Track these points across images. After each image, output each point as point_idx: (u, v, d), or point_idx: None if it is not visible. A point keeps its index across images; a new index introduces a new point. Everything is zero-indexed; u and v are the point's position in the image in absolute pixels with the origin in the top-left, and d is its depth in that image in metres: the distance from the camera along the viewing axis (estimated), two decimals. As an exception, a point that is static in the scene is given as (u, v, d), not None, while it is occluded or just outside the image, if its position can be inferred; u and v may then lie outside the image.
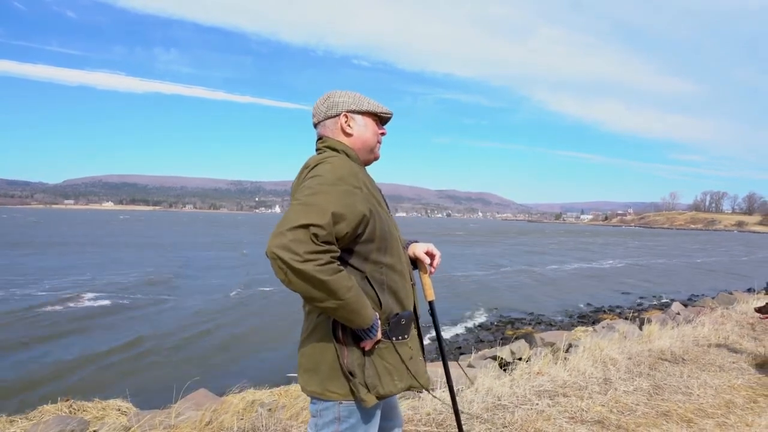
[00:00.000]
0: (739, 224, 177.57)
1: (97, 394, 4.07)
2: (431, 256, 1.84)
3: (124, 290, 16.25)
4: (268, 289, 17.22)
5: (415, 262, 1.86)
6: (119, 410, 3.49)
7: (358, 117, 1.66)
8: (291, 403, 3.54)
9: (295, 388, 4.43)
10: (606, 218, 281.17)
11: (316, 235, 1.34)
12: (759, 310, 4.75)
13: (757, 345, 5.62)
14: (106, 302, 14.25)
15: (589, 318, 14.31)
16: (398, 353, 1.58)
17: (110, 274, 19.75)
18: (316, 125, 1.71)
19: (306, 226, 1.33)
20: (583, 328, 7.77)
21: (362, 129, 1.66)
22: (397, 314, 1.60)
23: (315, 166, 1.51)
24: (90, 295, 15.18)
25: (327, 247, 1.37)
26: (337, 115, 1.65)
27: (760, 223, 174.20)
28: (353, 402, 1.53)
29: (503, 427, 3.10)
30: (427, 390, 1.71)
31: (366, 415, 1.57)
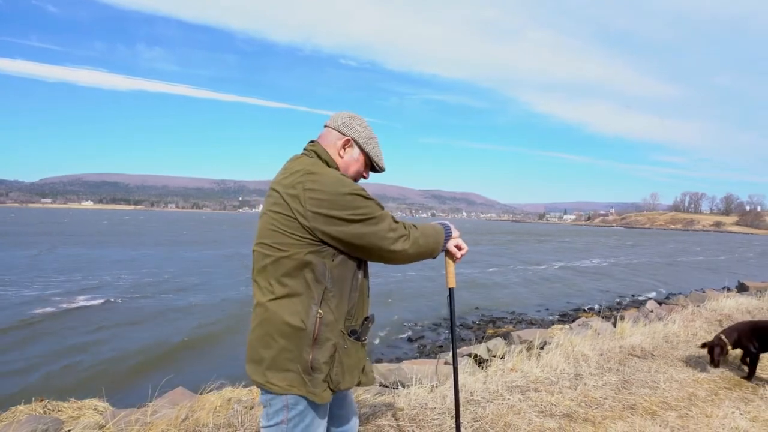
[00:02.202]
0: (717, 224, 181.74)
1: (74, 394, 4.06)
2: (459, 248, 1.98)
3: (107, 289, 16.04)
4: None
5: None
6: (95, 409, 3.49)
7: (357, 151, 1.79)
8: (267, 400, 3.58)
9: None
10: (589, 218, 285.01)
11: (384, 216, 1.63)
12: (704, 346, 4.70)
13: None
14: (88, 303, 14.06)
15: (569, 316, 14.54)
16: (359, 353, 1.72)
17: (95, 274, 19.47)
18: (325, 126, 1.82)
19: (385, 219, 1.62)
20: (560, 325, 7.94)
21: (352, 161, 1.78)
22: (367, 317, 1.75)
23: (317, 173, 1.61)
24: (68, 297, 14.96)
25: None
26: (345, 136, 1.77)
27: (737, 224, 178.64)
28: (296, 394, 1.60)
29: (474, 422, 3.19)
30: (363, 385, 1.82)
31: (315, 402, 1.63)
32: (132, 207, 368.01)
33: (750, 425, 3.36)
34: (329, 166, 1.70)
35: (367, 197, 1.60)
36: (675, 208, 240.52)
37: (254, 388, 4.63)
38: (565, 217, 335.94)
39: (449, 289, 2.10)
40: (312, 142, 1.79)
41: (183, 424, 3.09)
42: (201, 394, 4.07)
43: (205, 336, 11.14)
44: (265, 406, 1.64)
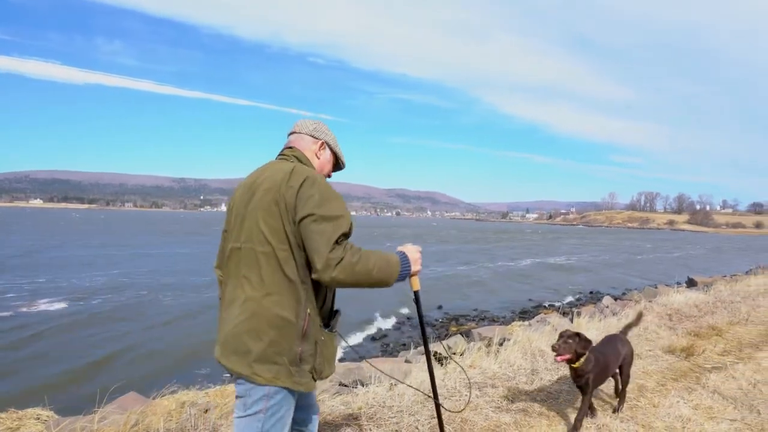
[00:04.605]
0: (670, 223, 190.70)
1: (14, 404, 3.84)
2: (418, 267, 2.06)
3: (51, 294, 15.32)
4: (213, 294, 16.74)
5: None
6: (37, 419, 3.30)
7: (329, 153, 2.03)
8: (222, 402, 3.50)
9: (230, 388, 4.37)
10: (550, 217, 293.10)
11: (346, 238, 1.69)
12: (553, 349, 3.27)
13: (671, 334, 6.08)
14: (38, 308, 13.39)
15: (530, 313, 14.90)
16: (334, 343, 1.86)
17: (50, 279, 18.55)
18: (291, 134, 2.01)
19: (342, 237, 1.66)
20: (520, 322, 8.11)
21: (325, 162, 2.02)
22: (338, 310, 1.91)
23: (311, 178, 1.73)
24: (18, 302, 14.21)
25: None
26: (318, 140, 1.98)
27: (688, 222, 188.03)
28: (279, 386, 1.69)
29: (431, 418, 3.21)
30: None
31: (291, 394, 1.75)
32: (86, 206, 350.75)
33: (692, 413, 3.52)
34: (307, 167, 1.85)
35: (335, 194, 1.74)
36: (632, 207, 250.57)
37: (210, 391, 4.52)
38: (527, 215, 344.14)
39: (414, 292, 2.14)
40: (290, 147, 1.96)
41: (132, 430, 2.97)
42: (154, 398, 3.94)
43: (160, 339, 10.81)
44: (241, 396, 1.72)
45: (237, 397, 1.74)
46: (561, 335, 3.13)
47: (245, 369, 1.66)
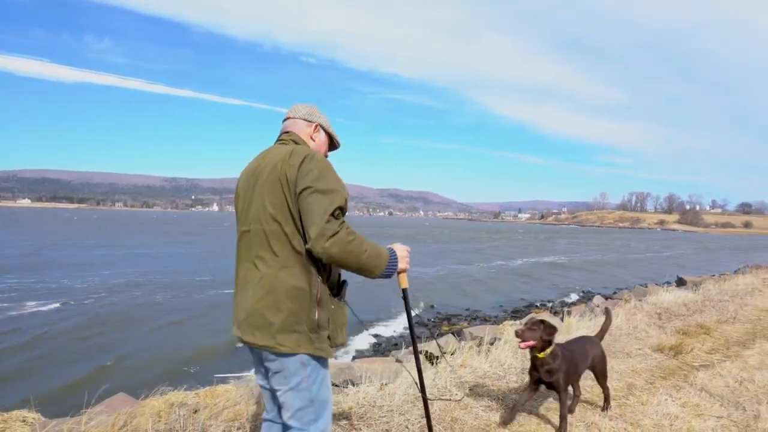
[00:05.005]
0: (661, 222, 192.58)
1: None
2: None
3: (42, 296, 15.16)
4: (213, 293, 16.66)
5: None
6: (23, 421, 3.26)
7: (323, 134, 2.11)
8: (212, 402, 3.48)
9: (221, 388, 4.35)
10: (542, 217, 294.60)
11: (342, 213, 1.77)
12: (517, 334, 3.15)
13: (660, 332, 6.13)
14: (20, 310, 13.24)
15: (522, 313, 14.96)
16: (345, 312, 1.96)
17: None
18: (286, 119, 2.09)
19: (338, 210, 1.72)
20: (511, 321, 8.14)
21: (321, 143, 2.10)
22: (345, 280, 2.00)
23: (310, 155, 1.81)
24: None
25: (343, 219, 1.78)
26: (312, 123, 2.06)
27: (678, 222, 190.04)
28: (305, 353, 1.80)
29: (422, 418, 3.21)
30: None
31: (325, 360, 1.89)
32: (75, 205, 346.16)
33: (680, 411, 3.55)
34: None
35: (332, 172, 1.83)
36: (623, 207, 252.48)
37: (201, 391, 4.48)
38: (519, 215, 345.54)
39: (402, 289, 2.22)
40: (286, 132, 2.05)
41: (120, 431, 2.95)
42: (144, 399, 3.91)
43: (151, 340, 10.72)
44: (278, 371, 1.83)
45: (274, 372, 1.84)
46: (526, 322, 3.08)
47: (269, 341, 1.76)
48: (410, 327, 2.38)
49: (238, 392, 3.81)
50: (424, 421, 3.18)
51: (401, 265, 1.96)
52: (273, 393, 1.96)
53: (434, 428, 3.14)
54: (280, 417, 1.94)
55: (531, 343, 2.96)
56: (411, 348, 6.48)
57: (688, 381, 4.29)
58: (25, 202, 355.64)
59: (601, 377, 3.50)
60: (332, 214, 1.69)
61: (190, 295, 15.81)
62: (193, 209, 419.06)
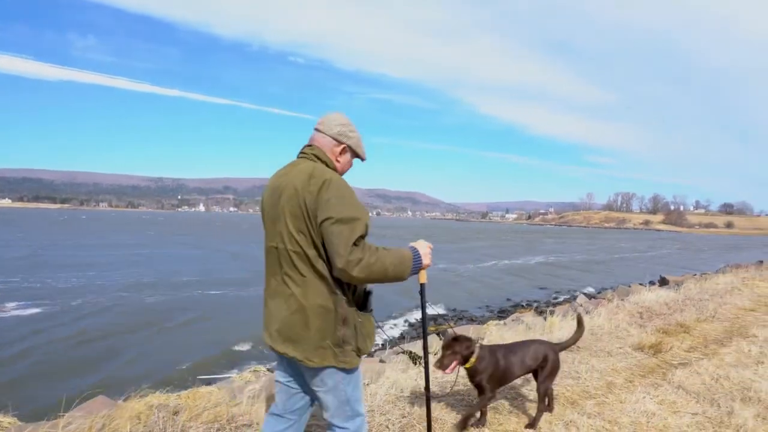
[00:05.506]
0: (646, 223, 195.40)
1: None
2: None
3: (25, 297, 14.89)
4: (197, 292, 16.50)
5: None
6: (-1, 425, 3.22)
7: (350, 155, 2.12)
8: (193, 404, 3.46)
9: (203, 390, 4.33)
10: (529, 217, 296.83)
11: (363, 238, 1.84)
12: (438, 367, 2.95)
13: (641, 331, 6.22)
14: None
15: (508, 312, 15.07)
16: (372, 321, 2.05)
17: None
18: (317, 130, 2.08)
19: (359, 239, 1.80)
20: (495, 321, 8.21)
21: (345, 164, 2.12)
22: (370, 291, 2.08)
23: (328, 181, 1.86)
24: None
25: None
26: (341, 144, 2.06)
27: (663, 222, 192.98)
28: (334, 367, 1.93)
29: (402, 417, 3.23)
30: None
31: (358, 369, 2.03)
32: (58, 206, 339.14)
33: (657, 408, 3.62)
34: (327, 166, 2.00)
35: (354, 199, 1.89)
36: (608, 207, 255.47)
37: (183, 393, 4.46)
38: (507, 216, 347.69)
39: (420, 284, 2.36)
40: (309, 145, 2.07)
41: (98, 435, 2.92)
42: (124, 401, 3.87)
43: (133, 341, 10.60)
44: (314, 377, 1.97)
45: (311, 377, 1.98)
46: (442, 348, 2.93)
47: (298, 354, 1.91)
48: (423, 322, 2.51)
49: (220, 394, 3.80)
50: (405, 421, 3.20)
51: (425, 261, 2.09)
52: (289, 390, 2.11)
53: (415, 428, 3.17)
54: (290, 414, 2.13)
55: (453, 365, 2.90)
56: (396, 348, 6.49)
57: (666, 379, 4.36)
58: (6, 202, 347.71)
59: (541, 386, 3.26)
60: (354, 243, 1.78)
61: (177, 294, 15.66)
62: (179, 209, 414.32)
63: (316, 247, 1.86)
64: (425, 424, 3.19)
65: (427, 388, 2.61)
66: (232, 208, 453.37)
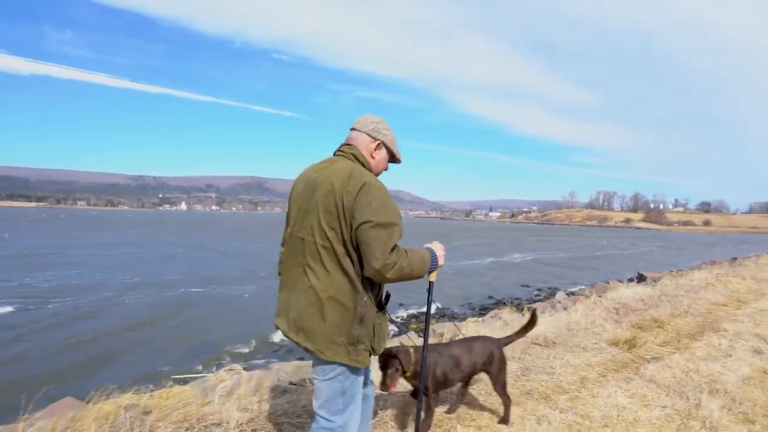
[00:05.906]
0: (627, 221, 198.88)
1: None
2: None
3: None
4: (182, 290, 16.26)
5: None
6: (-44, 428, 3.11)
7: (385, 152, 2.16)
8: (164, 404, 3.40)
9: (176, 389, 4.25)
10: (513, 216, 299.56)
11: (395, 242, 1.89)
12: (384, 389, 2.83)
13: (616, 327, 6.31)
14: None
15: (489, 310, 15.17)
16: (386, 323, 2.11)
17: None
18: (353, 129, 2.14)
19: (395, 245, 1.88)
20: (475, 318, 8.25)
21: (380, 162, 2.16)
22: (389, 293, 2.14)
23: (367, 184, 1.90)
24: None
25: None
26: (375, 140, 2.11)
27: (643, 220, 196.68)
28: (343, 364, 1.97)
29: (375, 415, 3.21)
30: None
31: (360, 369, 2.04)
32: (34, 204, 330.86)
33: (628, 402, 3.67)
34: (364, 166, 2.05)
35: (390, 202, 1.94)
36: (590, 205, 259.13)
37: (155, 393, 4.38)
38: (490, 214, 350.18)
39: (429, 282, 2.43)
40: (348, 144, 2.11)
41: (61, 437, 2.84)
42: (92, 402, 3.78)
43: (108, 342, 10.39)
44: (318, 365, 2.01)
45: (315, 365, 2.03)
46: (381, 368, 2.78)
47: (311, 345, 1.94)
48: (426, 318, 2.64)
49: (192, 393, 3.74)
50: (382, 416, 3.18)
51: (440, 262, 2.19)
52: None
53: (390, 423, 3.16)
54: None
55: (397, 382, 2.79)
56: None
57: (638, 373, 4.43)
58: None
59: (495, 382, 3.21)
60: (392, 249, 1.84)
61: (161, 294, 15.43)
62: (160, 208, 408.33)
63: (344, 245, 1.89)
64: (402, 418, 3.18)
65: (422, 385, 2.66)
66: (214, 207, 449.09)
